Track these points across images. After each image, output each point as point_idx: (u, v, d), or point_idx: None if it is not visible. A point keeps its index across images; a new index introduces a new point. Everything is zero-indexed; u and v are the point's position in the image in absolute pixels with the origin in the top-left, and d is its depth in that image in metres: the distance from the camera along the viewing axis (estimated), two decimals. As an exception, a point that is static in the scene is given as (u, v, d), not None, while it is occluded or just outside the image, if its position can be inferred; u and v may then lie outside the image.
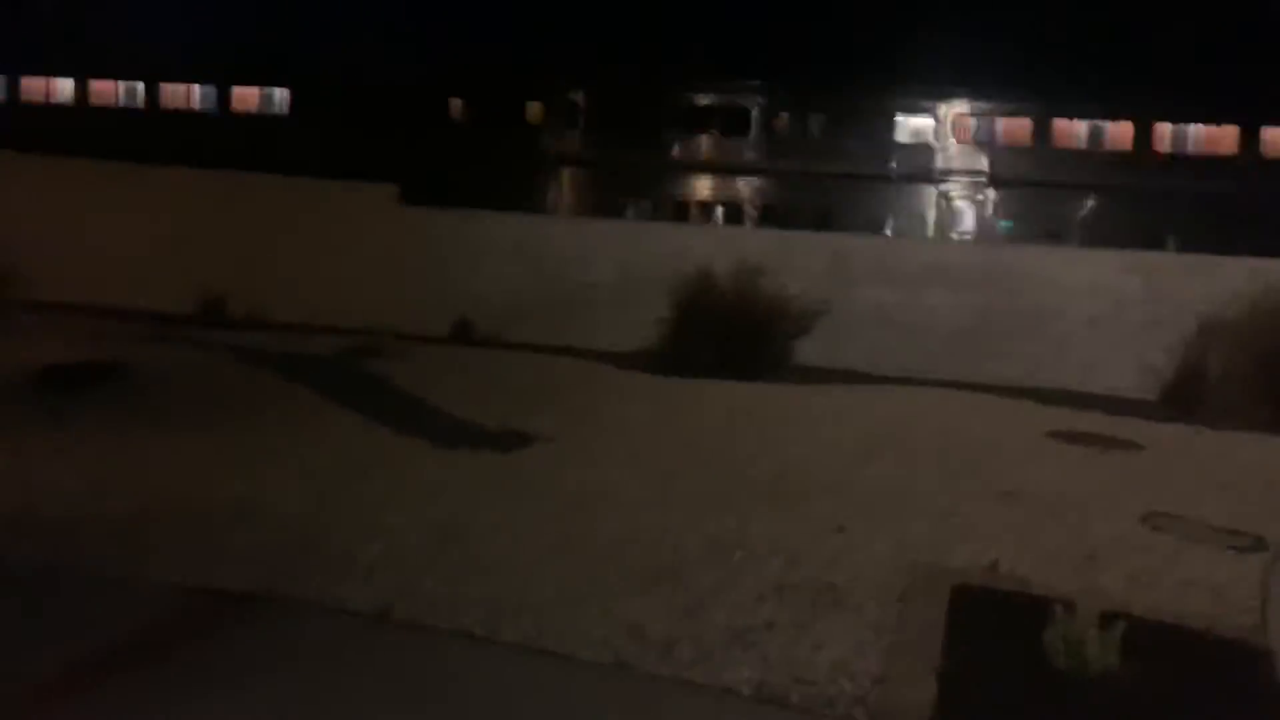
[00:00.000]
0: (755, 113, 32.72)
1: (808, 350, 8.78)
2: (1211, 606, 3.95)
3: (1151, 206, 26.05)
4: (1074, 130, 31.28)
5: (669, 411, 6.85)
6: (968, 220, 30.21)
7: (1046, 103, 29.58)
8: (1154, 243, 9.35)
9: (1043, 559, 4.35)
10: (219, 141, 27.95)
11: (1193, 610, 3.90)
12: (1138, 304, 8.78)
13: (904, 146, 31.41)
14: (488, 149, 28.77)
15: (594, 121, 32.21)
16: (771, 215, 28.00)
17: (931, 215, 30.42)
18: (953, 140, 31.59)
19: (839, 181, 28.36)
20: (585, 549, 4.13)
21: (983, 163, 31.21)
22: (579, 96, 32.74)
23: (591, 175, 30.84)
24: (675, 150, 32.35)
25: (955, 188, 31.14)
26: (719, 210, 30.79)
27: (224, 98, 35.99)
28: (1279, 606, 4.08)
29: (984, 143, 31.41)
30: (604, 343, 9.43)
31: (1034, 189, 28.94)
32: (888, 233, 24.01)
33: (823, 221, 23.00)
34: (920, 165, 30.98)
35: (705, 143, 32.44)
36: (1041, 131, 30.91)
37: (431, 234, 10.29)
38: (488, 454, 5.51)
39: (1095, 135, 31.25)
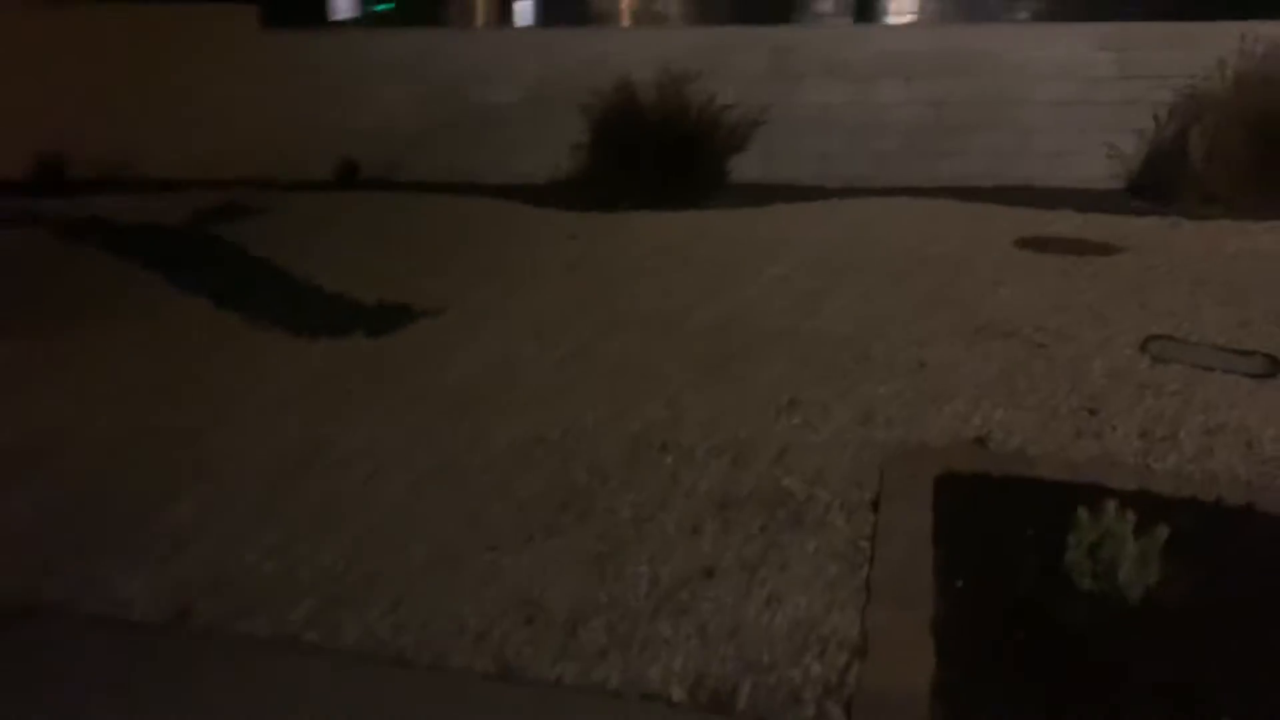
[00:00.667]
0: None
1: (747, 165, 7.79)
2: (1248, 465, 3.28)
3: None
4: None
5: (586, 257, 5.92)
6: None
7: None
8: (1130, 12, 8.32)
9: (1037, 417, 3.65)
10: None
11: (1227, 472, 3.24)
12: (1111, 82, 7.83)
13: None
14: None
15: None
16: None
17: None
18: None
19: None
20: (467, 480, 3.27)
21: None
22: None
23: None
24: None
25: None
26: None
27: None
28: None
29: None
30: (515, 174, 8.35)
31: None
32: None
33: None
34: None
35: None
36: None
37: (302, 61, 8.88)
38: (357, 342, 4.58)
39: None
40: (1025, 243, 6.19)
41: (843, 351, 4.27)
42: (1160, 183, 7.29)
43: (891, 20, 11.60)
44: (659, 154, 7.40)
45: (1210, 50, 7.15)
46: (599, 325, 4.66)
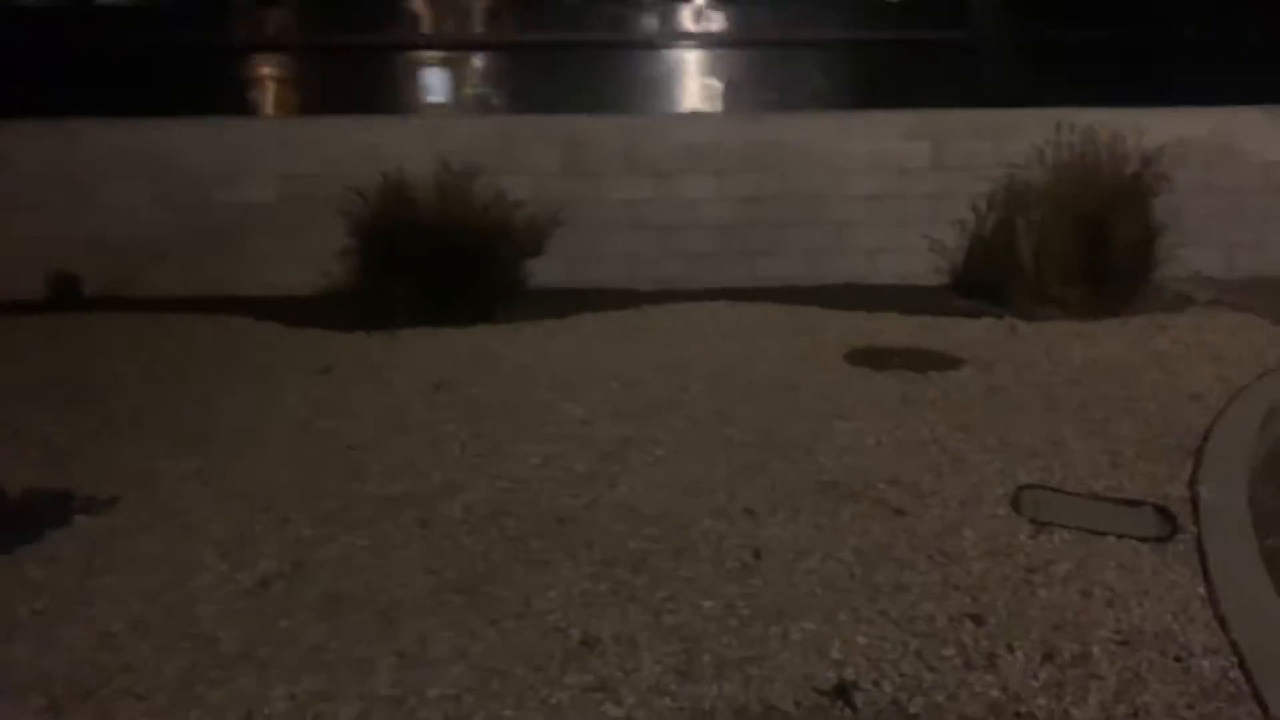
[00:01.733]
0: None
1: (547, 270, 6.80)
2: (1185, 696, 2.44)
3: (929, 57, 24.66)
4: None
5: (330, 404, 4.69)
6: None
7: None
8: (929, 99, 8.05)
9: (911, 638, 2.72)
10: None
11: (1165, 711, 2.39)
12: (924, 173, 7.37)
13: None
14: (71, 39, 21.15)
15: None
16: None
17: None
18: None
19: (569, 53, 24.88)
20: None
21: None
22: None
23: (240, 62, 24.14)
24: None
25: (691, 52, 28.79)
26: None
27: None
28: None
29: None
30: (272, 287, 7.03)
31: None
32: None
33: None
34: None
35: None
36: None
37: (12, 156, 7.33)
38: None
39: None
40: (857, 357, 5.45)
41: (654, 543, 3.24)
42: (986, 278, 6.81)
43: (693, 110, 11.09)
44: (439, 260, 6.29)
45: (1024, 138, 6.78)
46: (323, 520, 3.44)
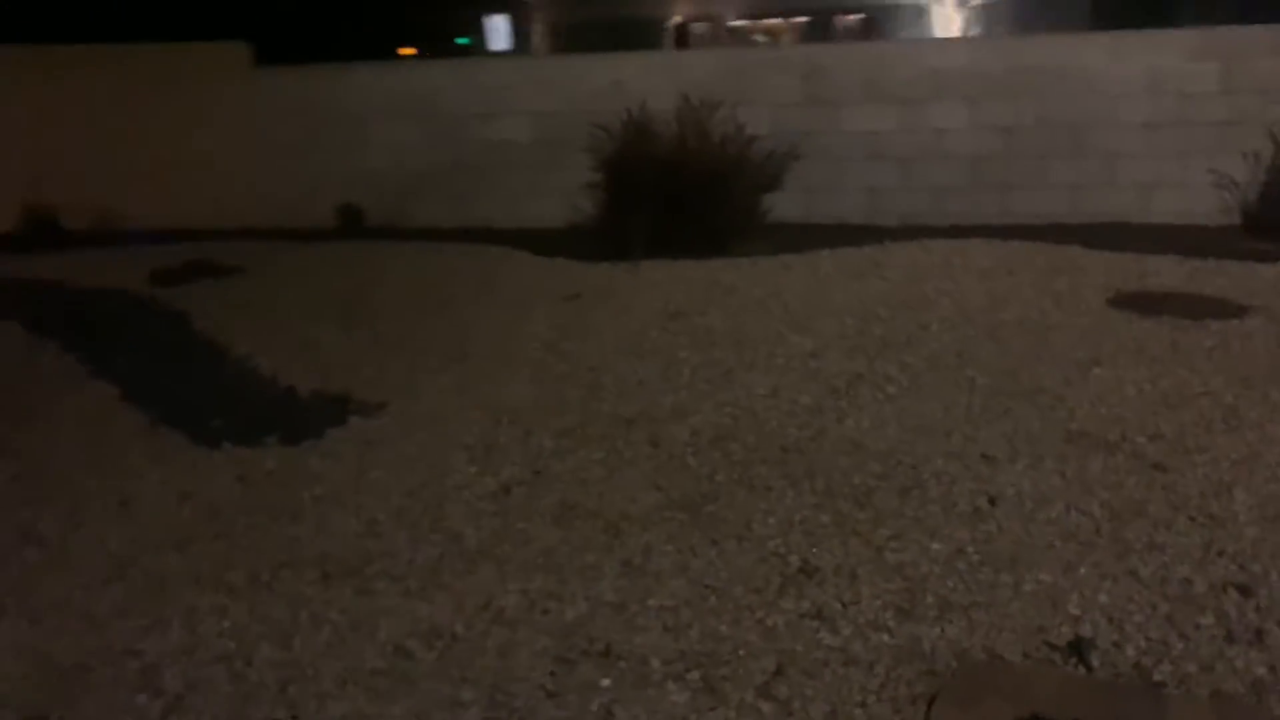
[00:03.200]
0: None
1: (786, 204, 6.71)
2: None
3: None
4: None
5: (575, 327, 4.88)
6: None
7: None
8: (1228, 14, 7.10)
9: (1162, 603, 2.49)
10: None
11: None
12: (1212, 98, 6.60)
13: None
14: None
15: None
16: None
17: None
18: None
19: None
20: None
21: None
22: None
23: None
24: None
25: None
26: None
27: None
28: None
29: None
30: (527, 218, 7.41)
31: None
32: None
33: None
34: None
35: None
36: None
37: (299, 99, 8.06)
38: (263, 456, 3.57)
39: None
40: (1122, 301, 5.01)
41: (880, 480, 3.15)
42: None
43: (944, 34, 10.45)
44: (680, 194, 6.36)
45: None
46: (562, 434, 3.60)
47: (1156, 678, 2.22)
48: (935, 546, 2.77)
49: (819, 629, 2.41)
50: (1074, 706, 2.09)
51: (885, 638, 2.37)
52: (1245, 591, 2.54)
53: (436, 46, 16.34)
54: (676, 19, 22.79)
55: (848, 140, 6.99)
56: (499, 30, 21.84)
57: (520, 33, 22.21)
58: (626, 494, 3.13)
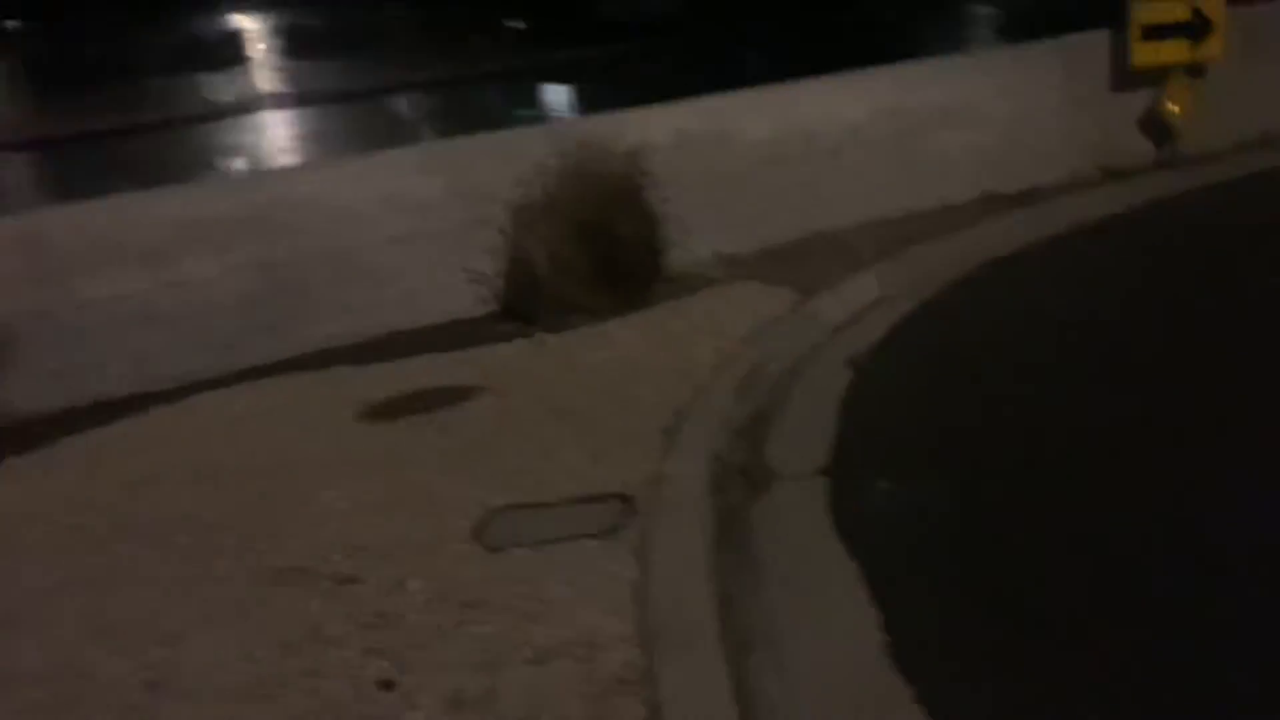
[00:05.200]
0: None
1: (23, 390, 5.88)
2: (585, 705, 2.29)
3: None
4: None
5: None
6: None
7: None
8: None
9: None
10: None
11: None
12: (444, 206, 7.23)
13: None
14: None
15: None
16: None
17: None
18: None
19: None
20: None
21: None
22: None
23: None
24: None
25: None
26: None
27: None
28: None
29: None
30: None
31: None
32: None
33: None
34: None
35: None
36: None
37: None
38: None
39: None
40: (372, 412, 5.13)
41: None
42: (525, 301, 6.78)
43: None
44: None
45: (530, 156, 6.81)
46: None
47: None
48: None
49: None
50: None
51: None
52: (388, 686, 2.53)
53: None
54: None
55: (93, 311, 6.39)
56: None
57: None
58: None
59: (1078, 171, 8.23)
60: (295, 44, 37.26)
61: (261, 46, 39.05)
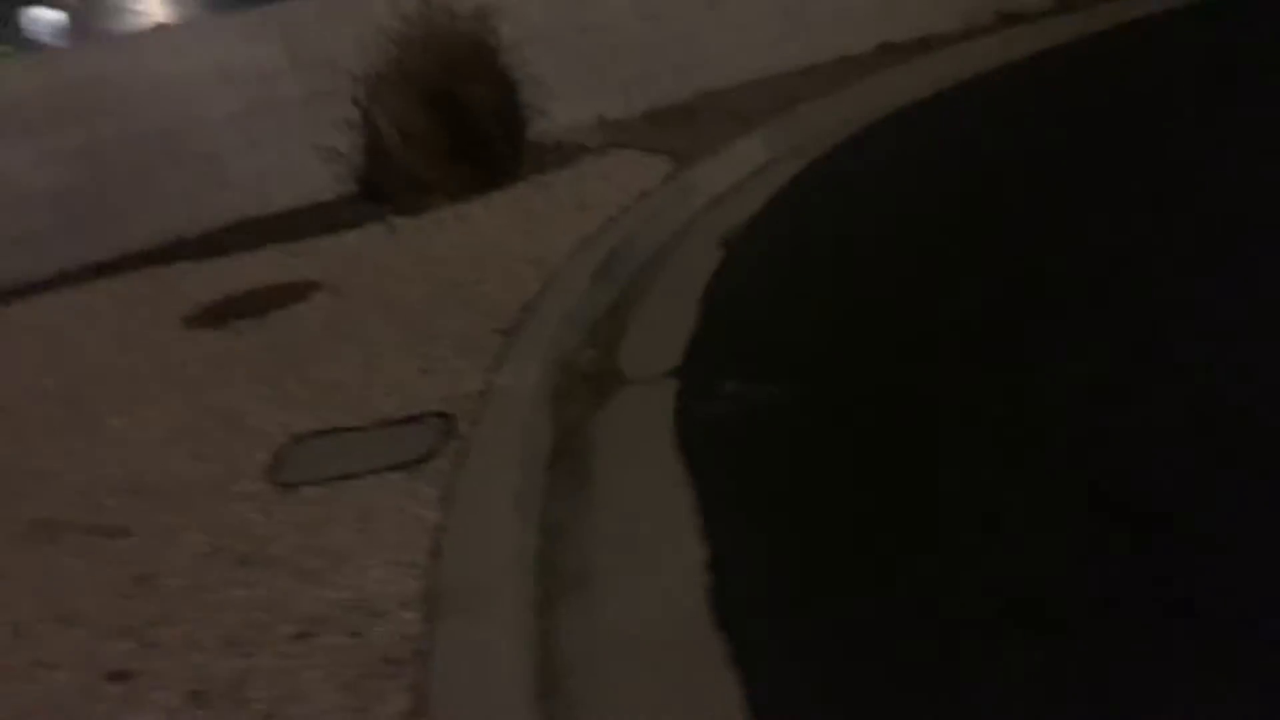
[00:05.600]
0: None
1: None
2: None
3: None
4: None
5: None
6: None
7: None
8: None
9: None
10: None
11: None
12: (287, 78, 6.51)
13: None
14: None
15: None
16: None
17: None
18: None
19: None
20: None
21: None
22: None
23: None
24: None
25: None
26: None
27: None
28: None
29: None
30: None
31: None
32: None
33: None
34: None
35: None
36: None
37: None
38: None
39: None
40: (201, 317, 4.62)
41: None
42: (383, 178, 6.18)
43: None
44: None
45: (370, 18, 6.08)
46: None
47: None
48: None
49: None
50: None
51: None
52: (121, 677, 2.15)
53: None
54: None
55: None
56: None
57: None
58: None
59: (975, 17, 7.72)
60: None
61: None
